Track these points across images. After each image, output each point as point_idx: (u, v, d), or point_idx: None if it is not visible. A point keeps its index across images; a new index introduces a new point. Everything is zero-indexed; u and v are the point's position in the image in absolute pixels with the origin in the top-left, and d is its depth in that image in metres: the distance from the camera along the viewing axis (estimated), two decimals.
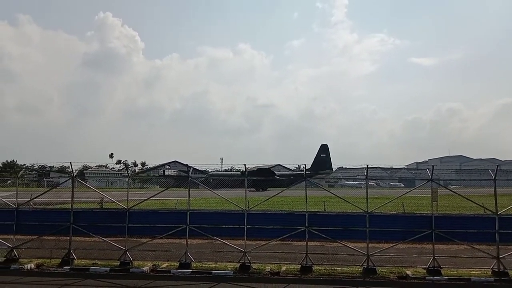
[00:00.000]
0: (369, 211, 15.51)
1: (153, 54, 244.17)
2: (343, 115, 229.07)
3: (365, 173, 16.53)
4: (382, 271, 14.93)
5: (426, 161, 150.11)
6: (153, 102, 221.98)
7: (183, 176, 20.07)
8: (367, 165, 16.51)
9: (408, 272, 14.72)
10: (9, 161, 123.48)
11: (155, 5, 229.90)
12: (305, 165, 20.27)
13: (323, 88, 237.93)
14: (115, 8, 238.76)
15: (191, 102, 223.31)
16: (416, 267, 15.15)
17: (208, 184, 20.08)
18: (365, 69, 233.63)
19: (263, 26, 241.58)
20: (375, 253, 15.29)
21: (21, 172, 23.95)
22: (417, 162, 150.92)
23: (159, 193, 19.15)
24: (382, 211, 16.46)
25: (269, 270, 15.08)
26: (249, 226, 15.72)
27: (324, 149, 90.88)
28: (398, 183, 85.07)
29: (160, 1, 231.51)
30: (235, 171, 67.13)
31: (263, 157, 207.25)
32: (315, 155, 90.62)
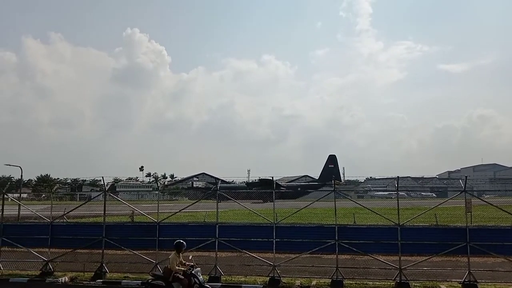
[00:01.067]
0: (400, 223, 15.17)
1: (179, 67, 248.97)
2: (371, 123, 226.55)
3: (396, 184, 16.23)
4: (416, 286, 14.51)
5: (458, 170, 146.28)
6: (180, 115, 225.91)
7: (211, 188, 20.27)
8: (398, 176, 16.22)
9: (443, 287, 14.28)
10: (43, 175, 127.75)
11: (181, 20, 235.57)
12: (333, 176, 20.12)
13: (350, 97, 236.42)
14: (142, 24, 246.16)
15: (218, 114, 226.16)
16: (451, 281, 14.65)
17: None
18: (393, 77, 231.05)
19: (287, 37, 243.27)
20: (407, 266, 14.88)
21: (56, 186, 24.66)
22: (448, 172, 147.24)
23: (188, 206, 19.33)
24: (414, 224, 16.05)
25: (299, 284, 14.90)
26: (278, 239, 15.62)
27: (332, 159, 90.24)
28: (429, 193, 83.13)
29: (186, 16, 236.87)
30: (241, 184, 68.53)
31: (290, 168, 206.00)
32: (323, 166, 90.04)
